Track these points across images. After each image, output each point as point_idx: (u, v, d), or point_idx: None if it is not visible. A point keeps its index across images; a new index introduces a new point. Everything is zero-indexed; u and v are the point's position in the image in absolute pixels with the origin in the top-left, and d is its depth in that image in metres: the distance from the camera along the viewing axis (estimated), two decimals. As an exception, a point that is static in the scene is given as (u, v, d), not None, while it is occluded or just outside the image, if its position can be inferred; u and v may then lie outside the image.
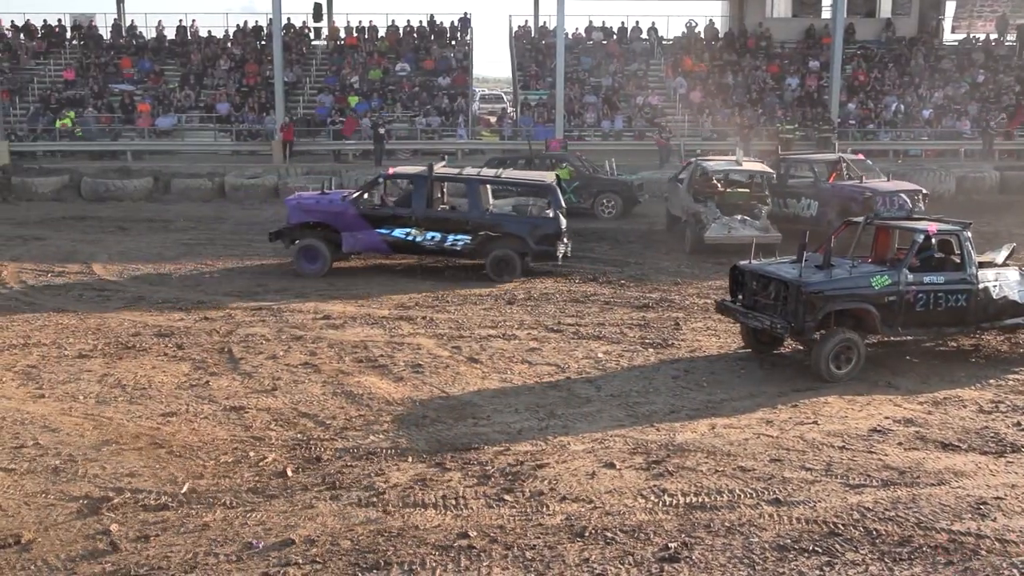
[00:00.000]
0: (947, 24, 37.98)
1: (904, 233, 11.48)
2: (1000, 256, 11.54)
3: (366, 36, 35.74)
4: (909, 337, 10.94)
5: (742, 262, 11.23)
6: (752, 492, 7.35)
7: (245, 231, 20.44)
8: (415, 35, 35.90)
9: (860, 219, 11.99)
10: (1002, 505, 7.18)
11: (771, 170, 19.00)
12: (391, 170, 17.15)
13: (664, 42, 36.10)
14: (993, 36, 36.18)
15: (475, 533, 6.62)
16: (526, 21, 37.12)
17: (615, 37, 35.84)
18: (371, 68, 33.44)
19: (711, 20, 37.62)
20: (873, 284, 10.35)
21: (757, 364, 10.94)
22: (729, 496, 7.28)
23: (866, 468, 7.86)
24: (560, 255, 15.47)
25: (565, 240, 15.61)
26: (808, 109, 31.27)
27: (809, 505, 7.14)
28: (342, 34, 36.15)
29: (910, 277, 10.44)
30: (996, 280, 10.90)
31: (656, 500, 7.20)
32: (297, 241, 15.83)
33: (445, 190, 17.03)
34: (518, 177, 17.09)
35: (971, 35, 36.59)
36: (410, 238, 15.46)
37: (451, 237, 15.38)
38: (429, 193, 15.69)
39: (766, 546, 6.50)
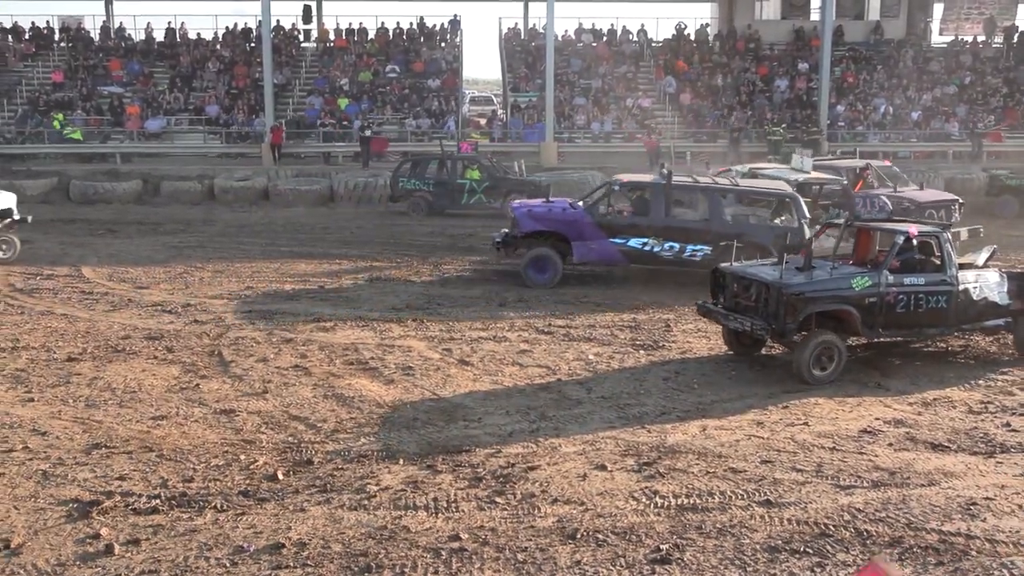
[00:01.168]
0: (935, 26, 38.15)
1: (885, 235, 11.51)
2: (981, 258, 11.56)
3: (355, 38, 35.74)
4: (890, 339, 10.95)
5: (723, 264, 11.22)
6: (743, 494, 7.37)
7: (235, 233, 20.41)
8: (405, 37, 35.91)
9: (840, 221, 11.97)
10: (992, 505, 7.21)
11: (840, 178, 17.69)
12: (624, 178, 16.24)
13: (654, 44, 36.17)
14: (980, 38, 36.32)
15: (466, 535, 6.62)
16: (516, 23, 37.21)
17: (605, 39, 35.90)
18: (361, 70, 33.43)
19: (702, 24, 37.77)
20: (854, 286, 10.35)
21: (747, 366, 10.97)
22: (720, 498, 7.29)
23: (856, 469, 7.88)
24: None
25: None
26: (797, 111, 31.38)
27: (800, 506, 7.15)
28: (331, 36, 36.16)
29: (890, 279, 10.46)
30: (976, 282, 10.94)
31: (647, 502, 7.20)
32: (525, 250, 15.24)
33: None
34: (756, 186, 16.05)
35: (959, 37, 36.72)
36: (647, 248, 14.76)
37: (690, 248, 14.62)
38: (667, 202, 14.99)
39: (757, 547, 6.51)
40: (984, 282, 11.03)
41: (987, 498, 7.34)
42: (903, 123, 31.36)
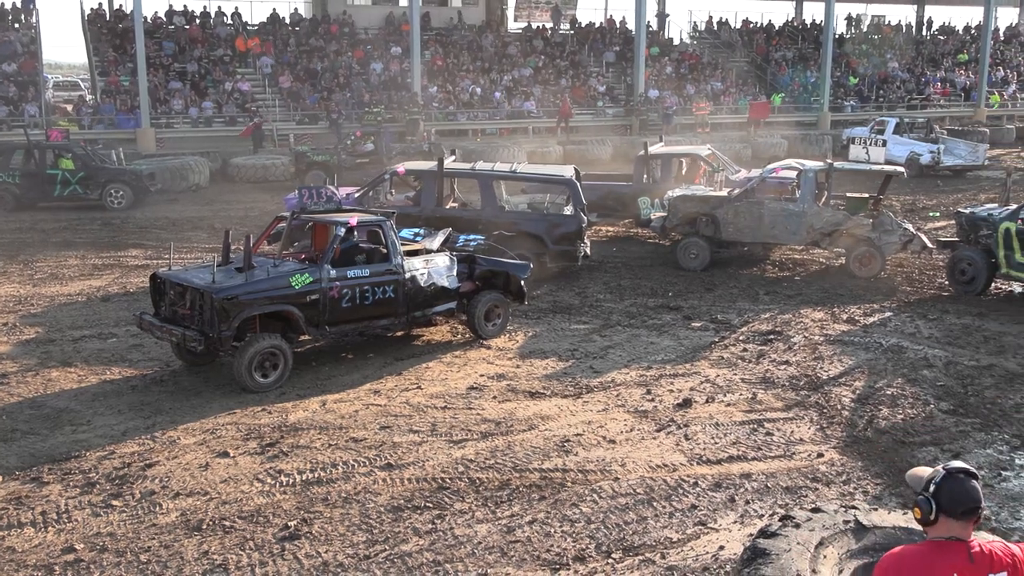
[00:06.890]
0: (511, 13, 40.94)
1: (329, 227, 10.69)
2: (436, 242, 11.45)
3: (-92, 17, 31.16)
4: (339, 336, 10.23)
5: (161, 269, 10.20)
6: (365, 460, 7.51)
7: None
8: (-31, 17, 31.89)
9: (287, 213, 11.17)
10: (581, 440, 7.97)
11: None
12: (400, 167, 15.20)
13: (249, 27, 35.23)
14: (549, 25, 39.48)
15: (82, 545, 6.14)
16: (100, 3, 34.40)
17: (198, 21, 34.35)
18: (-83, 53, 29.25)
19: (295, 9, 37.44)
20: (293, 284, 9.57)
21: (364, 341, 11.03)
22: (344, 468, 7.38)
23: (467, 424, 8.33)
24: (580, 255, 14.00)
25: (585, 240, 14.25)
26: (394, 93, 32.15)
27: (418, 465, 7.43)
28: None
29: (333, 273, 9.81)
30: (425, 267, 10.63)
31: (273, 482, 7.11)
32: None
33: (456, 187, 15.58)
34: (535, 171, 15.59)
35: (531, 23, 39.67)
36: (419, 239, 12.19)
37: (462, 237, 12.90)
38: (439, 190, 14.14)
39: (382, 509, 6.68)
40: (433, 267, 10.72)
41: (577, 434, 8.09)
42: (488, 103, 33.27)
